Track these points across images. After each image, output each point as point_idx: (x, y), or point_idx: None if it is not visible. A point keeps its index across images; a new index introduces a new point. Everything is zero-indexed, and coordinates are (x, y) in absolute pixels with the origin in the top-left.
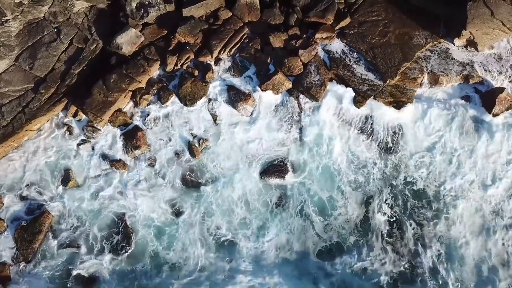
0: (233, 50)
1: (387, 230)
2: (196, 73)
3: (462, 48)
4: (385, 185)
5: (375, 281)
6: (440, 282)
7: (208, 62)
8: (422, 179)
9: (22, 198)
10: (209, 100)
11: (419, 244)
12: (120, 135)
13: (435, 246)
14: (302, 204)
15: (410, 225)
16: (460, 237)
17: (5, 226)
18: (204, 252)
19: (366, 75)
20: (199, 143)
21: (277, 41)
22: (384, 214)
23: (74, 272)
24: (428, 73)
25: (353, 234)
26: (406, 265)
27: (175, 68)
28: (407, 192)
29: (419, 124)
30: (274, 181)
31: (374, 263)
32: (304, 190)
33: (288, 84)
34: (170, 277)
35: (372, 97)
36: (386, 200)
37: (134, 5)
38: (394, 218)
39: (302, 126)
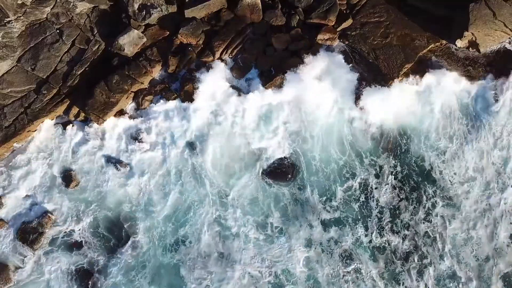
0: (235, 51)
1: None
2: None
3: (464, 49)
4: None
5: None
6: None
7: (210, 63)
8: None
9: (24, 199)
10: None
11: None
12: (122, 136)
13: None
14: None
15: None
16: None
17: (6, 227)
18: None
19: None
20: (201, 144)
21: (279, 42)
22: None
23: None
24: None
25: None
26: None
27: (177, 69)
28: None
29: None
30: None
31: None
32: None
33: None
34: None
35: None
36: None
37: (136, 6)
38: None
39: None
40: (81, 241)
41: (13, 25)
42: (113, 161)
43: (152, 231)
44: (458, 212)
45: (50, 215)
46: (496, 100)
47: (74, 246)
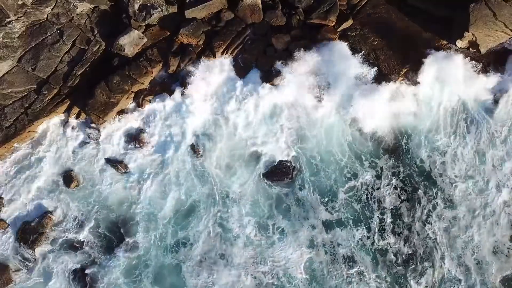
0: (235, 51)
1: None
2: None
3: (465, 50)
4: None
5: None
6: None
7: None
8: None
9: (25, 199)
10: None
11: None
12: (123, 136)
13: None
14: None
15: None
16: None
17: (6, 227)
18: None
19: None
20: (201, 144)
21: (279, 43)
22: None
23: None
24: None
25: None
26: None
27: (177, 70)
28: None
29: None
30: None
31: None
32: None
33: None
34: None
35: None
36: None
37: (136, 6)
38: None
39: None
40: (82, 241)
41: (14, 26)
42: (113, 162)
43: (153, 232)
44: (458, 213)
45: (50, 215)
46: (496, 100)
47: (75, 246)
